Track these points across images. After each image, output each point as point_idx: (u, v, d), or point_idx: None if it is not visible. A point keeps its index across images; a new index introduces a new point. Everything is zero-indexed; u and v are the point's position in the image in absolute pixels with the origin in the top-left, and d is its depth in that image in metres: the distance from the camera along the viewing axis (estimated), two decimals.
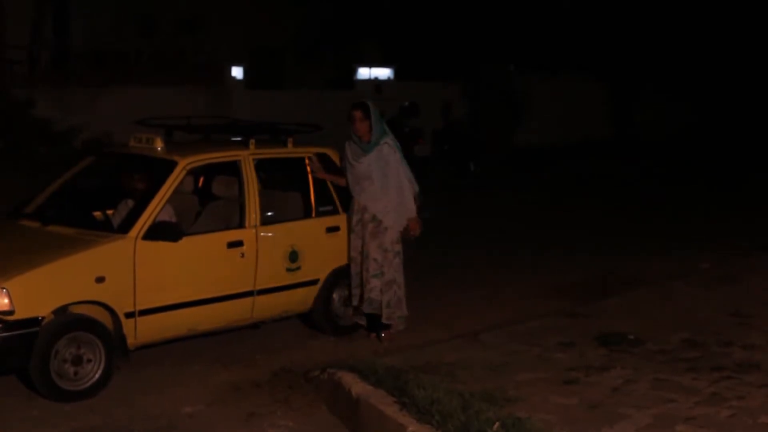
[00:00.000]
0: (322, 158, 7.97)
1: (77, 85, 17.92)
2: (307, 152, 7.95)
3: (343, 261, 7.86)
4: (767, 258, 10.36)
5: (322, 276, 7.80)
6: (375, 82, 23.66)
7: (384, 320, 7.58)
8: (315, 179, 7.90)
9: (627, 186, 18.08)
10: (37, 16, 19.79)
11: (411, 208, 7.63)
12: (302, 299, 7.74)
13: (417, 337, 7.65)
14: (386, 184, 7.52)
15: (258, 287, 7.35)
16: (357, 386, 5.88)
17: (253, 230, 7.34)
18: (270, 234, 7.45)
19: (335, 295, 7.92)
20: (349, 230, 7.71)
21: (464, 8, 24.28)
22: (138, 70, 19.54)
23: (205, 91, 19.30)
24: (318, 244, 7.77)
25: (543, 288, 9.52)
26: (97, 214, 7.55)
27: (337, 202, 7.92)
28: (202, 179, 8.24)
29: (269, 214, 7.58)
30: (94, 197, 7.76)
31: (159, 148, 7.43)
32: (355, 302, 7.73)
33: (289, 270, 7.55)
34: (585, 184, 18.42)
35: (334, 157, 8.03)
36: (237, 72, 22.36)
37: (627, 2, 26.15)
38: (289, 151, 7.92)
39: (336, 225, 7.88)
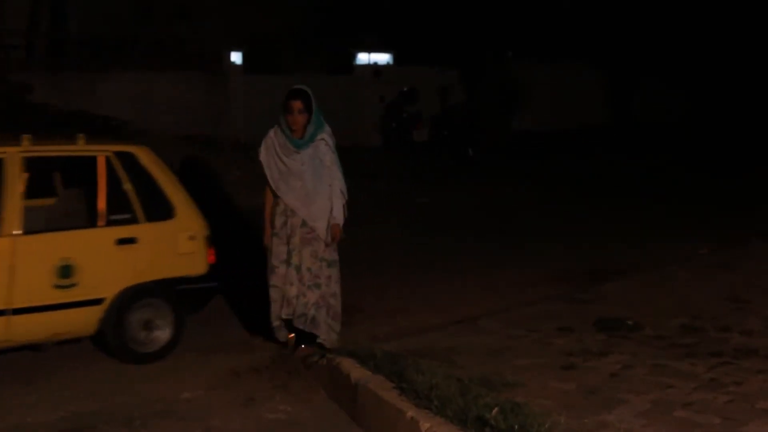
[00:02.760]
0: (126, 158, 6.91)
1: (75, 71, 17.88)
2: (101, 150, 6.87)
3: (142, 278, 6.80)
4: (765, 245, 10.37)
5: (110, 295, 6.66)
6: (374, 68, 23.63)
7: (321, 338, 6.63)
8: (109, 182, 6.79)
9: (625, 175, 18.05)
10: (34, 2, 19.72)
11: (339, 216, 6.65)
12: (82, 321, 6.61)
13: (415, 322, 7.66)
14: (319, 185, 6.59)
15: (14, 305, 6.29)
16: (356, 372, 5.89)
17: (10, 240, 6.32)
18: (32, 244, 6.41)
19: (131, 318, 6.76)
20: (270, 234, 6.70)
21: None
22: (136, 56, 19.49)
23: (203, 76, 19.26)
24: (103, 257, 6.66)
25: (540, 275, 9.51)
26: None
27: (138, 210, 6.84)
28: None
29: (37, 221, 6.62)
30: None
31: None
32: (276, 321, 6.70)
33: (59, 287, 6.43)
34: (582, 171, 18.40)
35: (145, 156, 7.02)
36: (236, 57, 22.31)
37: None
38: (76, 149, 6.88)
39: (131, 236, 6.77)
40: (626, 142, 23.21)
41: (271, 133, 6.69)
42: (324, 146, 6.64)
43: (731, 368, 6.02)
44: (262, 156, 6.69)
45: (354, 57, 24.83)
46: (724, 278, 8.73)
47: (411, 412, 5.19)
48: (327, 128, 6.68)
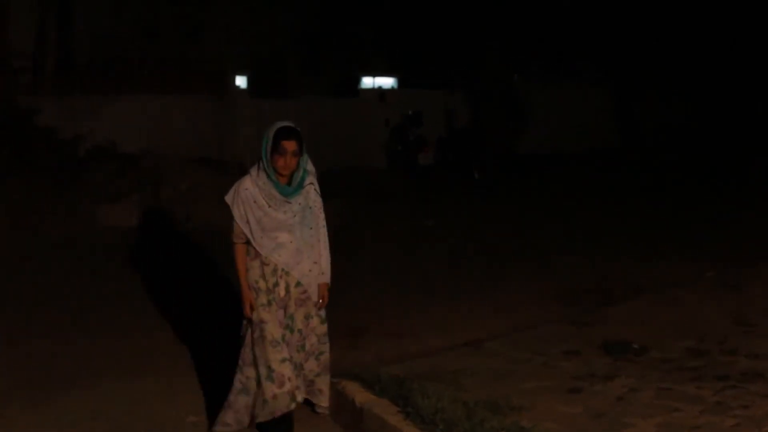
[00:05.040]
0: None
1: (82, 93, 17.96)
2: None
3: None
4: None
5: None
6: (379, 91, 23.71)
7: (321, 406, 5.94)
8: None
9: (631, 193, 18.06)
10: (41, 24, 19.83)
11: (327, 271, 5.77)
12: None
13: (421, 344, 7.64)
14: (309, 238, 5.63)
15: None
16: (361, 395, 5.87)
17: None
18: None
19: None
20: (257, 300, 5.56)
21: (468, 17, 24.35)
22: (142, 79, 19.57)
23: (209, 99, 19.33)
24: None
25: (546, 295, 9.49)
26: None
27: None
28: None
29: None
30: None
31: None
32: (272, 410, 5.51)
33: None
34: (588, 191, 18.41)
35: None
36: (241, 81, 22.41)
37: (628, 10, 26.20)
38: None
39: None
40: (633, 161, 23.24)
41: (247, 182, 5.54)
42: (314, 192, 5.67)
43: (738, 392, 6.00)
44: (237, 211, 5.53)
45: (359, 80, 24.95)
46: (731, 300, 8.70)
47: None
48: (311, 166, 5.68)
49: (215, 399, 6.46)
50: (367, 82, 25.38)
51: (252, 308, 5.52)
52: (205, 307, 8.79)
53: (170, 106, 18.33)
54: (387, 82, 25.86)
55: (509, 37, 24.18)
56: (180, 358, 7.37)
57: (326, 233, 5.75)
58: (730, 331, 7.57)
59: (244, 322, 5.65)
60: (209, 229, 12.22)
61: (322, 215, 5.74)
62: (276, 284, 5.55)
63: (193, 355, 7.40)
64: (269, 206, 5.49)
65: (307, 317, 5.69)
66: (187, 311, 8.76)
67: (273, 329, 5.49)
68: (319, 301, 5.70)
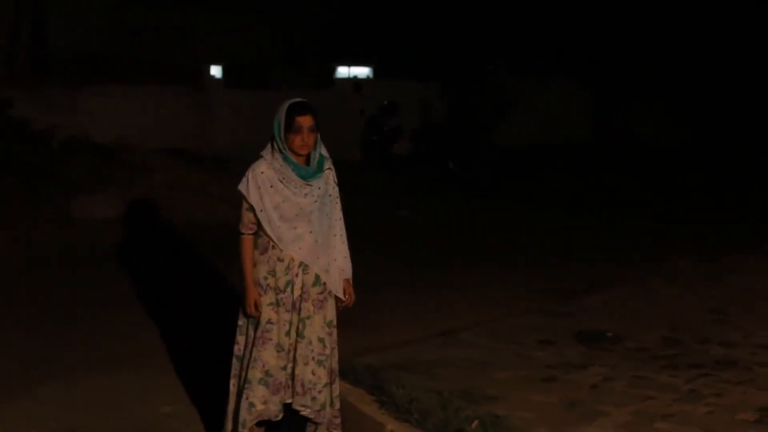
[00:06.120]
0: None
1: (56, 86, 17.82)
2: None
3: None
4: (746, 257, 10.43)
5: None
6: (354, 81, 23.65)
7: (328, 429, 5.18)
8: None
9: (610, 193, 18.05)
10: (15, 17, 19.69)
11: (348, 266, 5.21)
12: None
13: (396, 336, 7.65)
14: (330, 228, 5.10)
15: None
16: None
17: None
18: None
19: None
20: (263, 297, 4.96)
21: (445, 8, 24.34)
22: (118, 71, 19.45)
23: (184, 90, 19.24)
24: None
25: (523, 289, 9.50)
26: None
27: None
28: None
29: None
30: None
31: None
32: (259, 415, 5.00)
33: None
34: (564, 186, 18.45)
35: None
36: (216, 71, 22.30)
37: (619, 6, 26.21)
38: None
39: None
40: (610, 159, 23.29)
41: (263, 166, 4.96)
42: (333, 177, 5.23)
43: (711, 380, 6.06)
44: (253, 197, 4.94)
45: (334, 70, 24.86)
46: (705, 291, 8.79)
47: (391, 426, 5.20)
48: (326, 151, 5.21)
49: (194, 391, 6.48)
50: (342, 71, 25.28)
51: (257, 306, 4.94)
52: (184, 301, 8.76)
53: (146, 98, 18.21)
54: (362, 71, 25.77)
55: (489, 28, 24.18)
56: (159, 353, 7.33)
57: (343, 226, 5.22)
58: (704, 321, 7.65)
59: (240, 323, 5.11)
60: (186, 220, 12.20)
61: (339, 206, 5.23)
62: (288, 284, 4.95)
63: (173, 350, 7.37)
64: (291, 192, 4.93)
65: (328, 323, 5.12)
66: (165, 305, 8.72)
67: (279, 332, 4.96)
68: (345, 298, 5.19)
